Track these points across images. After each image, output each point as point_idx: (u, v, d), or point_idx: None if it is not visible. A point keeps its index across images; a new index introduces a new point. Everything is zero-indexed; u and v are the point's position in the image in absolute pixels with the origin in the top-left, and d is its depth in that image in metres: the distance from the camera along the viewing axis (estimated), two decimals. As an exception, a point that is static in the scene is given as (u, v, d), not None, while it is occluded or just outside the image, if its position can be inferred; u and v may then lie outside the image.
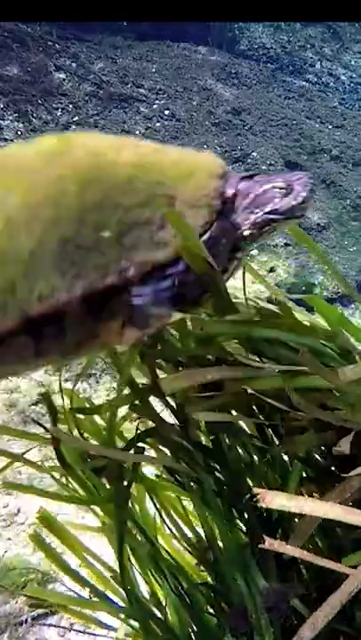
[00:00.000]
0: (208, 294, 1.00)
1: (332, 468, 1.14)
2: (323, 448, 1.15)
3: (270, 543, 0.85)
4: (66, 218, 0.90)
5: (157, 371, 1.18)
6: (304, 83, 8.07)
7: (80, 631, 1.82)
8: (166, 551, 1.34)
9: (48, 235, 0.88)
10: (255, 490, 0.88)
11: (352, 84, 8.34)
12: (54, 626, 1.89)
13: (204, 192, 1.00)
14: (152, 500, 1.38)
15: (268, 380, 1.05)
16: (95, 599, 1.32)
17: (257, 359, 1.09)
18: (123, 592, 1.31)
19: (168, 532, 1.41)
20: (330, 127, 7.22)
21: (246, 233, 1.04)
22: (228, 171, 1.08)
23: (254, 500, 0.88)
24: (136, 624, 1.37)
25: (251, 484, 1.19)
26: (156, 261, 0.93)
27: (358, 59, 8.54)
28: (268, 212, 1.03)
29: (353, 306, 5.23)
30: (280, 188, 1.03)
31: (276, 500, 0.87)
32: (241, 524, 1.23)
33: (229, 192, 1.05)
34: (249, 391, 1.06)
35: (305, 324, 1.11)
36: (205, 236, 0.98)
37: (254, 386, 1.05)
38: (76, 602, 1.33)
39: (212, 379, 1.07)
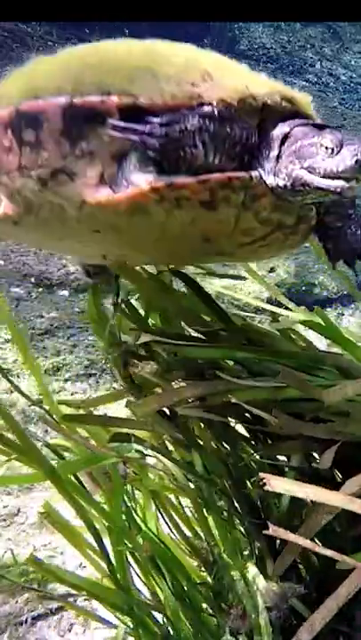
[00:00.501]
0: (184, 169, 0.91)
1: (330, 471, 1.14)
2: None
3: (274, 530, 0.84)
4: (107, 57, 0.95)
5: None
6: (304, 83, 8.06)
7: (88, 614, 1.79)
8: (168, 551, 1.34)
9: (79, 60, 0.96)
10: (260, 474, 0.87)
11: (352, 84, 8.33)
12: (74, 609, 1.86)
13: (248, 90, 0.93)
14: (153, 501, 1.38)
15: (254, 393, 1.05)
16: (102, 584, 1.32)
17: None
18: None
19: (167, 532, 1.41)
20: (330, 127, 7.22)
21: (281, 183, 0.96)
22: (308, 113, 1.00)
23: (260, 484, 0.86)
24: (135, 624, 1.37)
25: (250, 485, 1.20)
26: (138, 99, 0.90)
27: (358, 59, 8.53)
28: (305, 168, 0.93)
29: (353, 306, 5.23)
30: (326, 147, 0.91)
31: (280, 485, 0.87)
32: (240, 527, 1.24)
33: (283, 128, 0.97)
34: (235, 401, 1.06)
35: (290, 345, 1.10)
36: (213, 106, 0.91)
37: (239, 397, 1.05)
38: (87, 583, 1.31)
39: (187, 397, 1.07)
